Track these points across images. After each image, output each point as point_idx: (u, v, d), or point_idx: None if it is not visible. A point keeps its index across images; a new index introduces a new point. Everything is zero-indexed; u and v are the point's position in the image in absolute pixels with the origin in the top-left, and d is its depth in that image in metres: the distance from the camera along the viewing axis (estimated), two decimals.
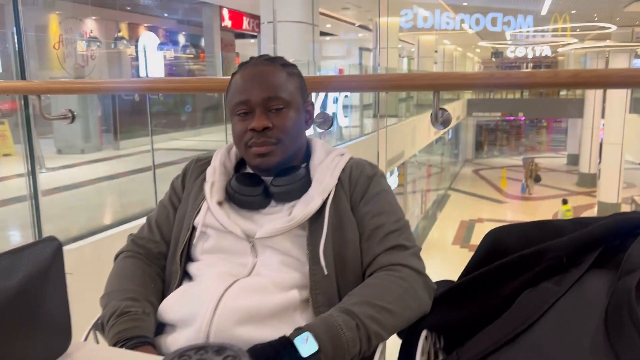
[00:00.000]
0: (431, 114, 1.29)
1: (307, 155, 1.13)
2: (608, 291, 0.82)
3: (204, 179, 1.10)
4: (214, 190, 1.06)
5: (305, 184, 1.06)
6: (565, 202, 14.19)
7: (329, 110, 8.16)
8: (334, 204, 1.03)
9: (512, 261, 0.98)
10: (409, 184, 14.09)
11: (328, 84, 1.41)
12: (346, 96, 8.83)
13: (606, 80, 1.11)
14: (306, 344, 0.83)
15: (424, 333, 0.97)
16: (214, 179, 1.08)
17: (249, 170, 1.12)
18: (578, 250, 0.93)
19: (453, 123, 18.90)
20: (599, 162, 17.09)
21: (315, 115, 1.42)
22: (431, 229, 15.04)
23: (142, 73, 10.60)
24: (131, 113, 8.47)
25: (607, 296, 0.81)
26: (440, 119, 1.30)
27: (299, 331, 0.85)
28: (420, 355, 0.93)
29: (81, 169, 6.96)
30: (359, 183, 1.07)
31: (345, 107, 9.16)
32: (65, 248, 3.46)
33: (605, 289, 0.83)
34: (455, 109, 18.37)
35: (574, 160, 22.21)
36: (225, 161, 1.13)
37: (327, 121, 1.44)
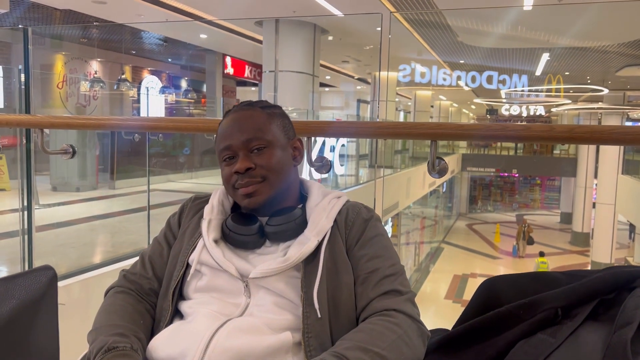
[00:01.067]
0: (428, 162, 1.31)
1: (303, 197, 1.14)
2: (603, 344, 0.82)
3: (201, 217, 1.11)
4: (210, 227, 1.07)
5: (300, 224, 1.06)
6: (542, 254, 14.18)
7: None
8: (329, 246, 1.03)
9: (508, 311, 0.97)
10: (402, 235, 14.04)
11: (328, 129, 1.44)
12: (343, 145, 8.95)
13: (600, 137, 1.13)
14: None
15: None
16: (212, 217, 1.09)
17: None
18: (573, 303, 0.93)
19: (448, 176, 19.05)
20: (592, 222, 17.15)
21: (314, 159, 1.44)
22: (424, 281, 14.88)
23: (143, 115, 10.73)
24: (129, 153, 8.52)
25: (603, 350, 0.81)
26: (437, 168, 1.32)
27: None
28: None
29: (75, 207, 6.93)
30: (355, 226, 1.07)
31: (341, 156, 9.26)
32: None
33: (600, 343, 0.83)
34: (450, 162, 18.57)
35: (567, 218, 22.29)
36: (223, 200, 1.14)
37: (326, 165, 1.45)
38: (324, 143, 8.30)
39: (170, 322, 1.02)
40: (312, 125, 1.35)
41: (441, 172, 1.34)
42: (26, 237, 2.92)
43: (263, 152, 1.06)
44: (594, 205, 17.21)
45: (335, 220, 1.07)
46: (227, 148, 1.07)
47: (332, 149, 8.52)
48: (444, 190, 21.55)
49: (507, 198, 28.97)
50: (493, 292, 1.07)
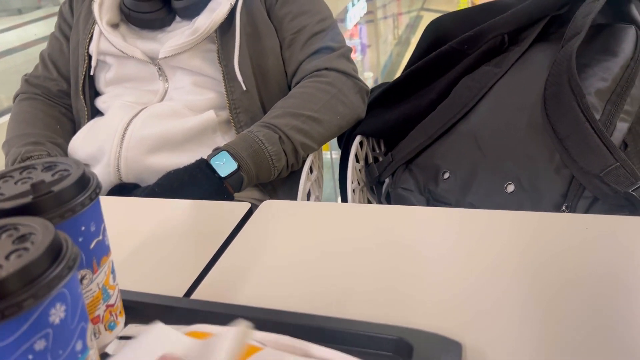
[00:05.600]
0: None
1: None
2: (550, 62, 0.73)
3: None
4: (103, 9, 0.91)
5: None
6: None
7: None
8: (245, 9, 0.88)
9: (451, 48, 0.87)
10: (379, 9, 13.35)
11: None
12: None
13: None
14: (224, 164, 0.76)
15: (357, 139, 0.90)
16: None
17: None
18: (522, 25, 0.82)
19: None
20: None
21: None
22: (405, 54, 14.67)
23: None
24: None
25: (549, 67, 0.72)
26: None
27: (216, 151, 0.77)
28: (354, 161, 0.87)
29: (23, 30, 6.42)
30: None
31: None
32: None
33: (547, 60, 0.74)
34: None
35: None
36: None
37: None
38: None
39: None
40: None
41: None
42: None
43: None
44: None
45: None
46: None
47: None
48: None
49: None
50: (441, 31, 0.96)
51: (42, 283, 0.27)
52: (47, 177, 0.39)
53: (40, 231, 0.30)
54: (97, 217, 0.40)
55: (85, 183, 0.39)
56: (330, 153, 1.59)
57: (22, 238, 0.30)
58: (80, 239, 0.38)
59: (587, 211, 0.64)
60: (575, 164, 0.63)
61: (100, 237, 0.40)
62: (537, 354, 0.36)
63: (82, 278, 0.39)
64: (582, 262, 0.44)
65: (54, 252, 0.29)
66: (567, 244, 0.46)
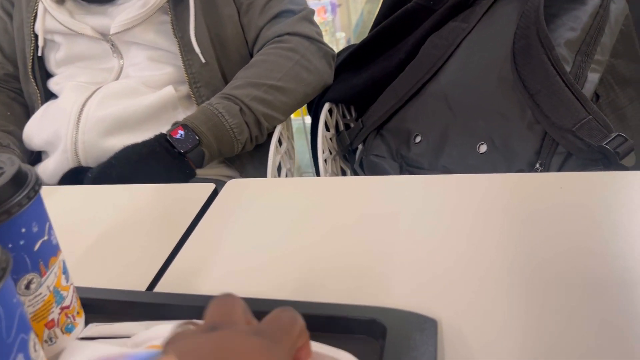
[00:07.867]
0: None
1: None
2: (518, 14, 0.70)
3: None
4: None
5: None
6: None
7: None
8: None
9: (417, 5, 0.84)
10: None
11: None
12: None
13: None
14: (184, 138, 0.72)
15: (326, 106, 0.87)
16: None
17: None
18: None
19: None
20: None
21: None
22: (376, 11, 14.46)
23: None
24: None
25: (517, 20, 0.70)
26: None
27: (175, 126, 0.74)
28: (323, 130, 0.84)
29: None
30: None
31: None
32: None
33: (515, 15, 0.72)
34: None
35: None
36: None
37: None
38: None
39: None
40: None
41: None
42: None
43: None
44: None
45: None
46: None
47: None
48: None
49: None
50: None
51: None
52: None
53: None
54: (40, 215, 0.37)
55: (21, 180, 0.36)
56: (303, 119, 1.55)
57: None
58: (21, 242, 0.35)
59: (561, 167, 0.62)
60: (547, 119, 0.61)
61: (46, 237, 0.37)
62: (516, 323, 0.35)
63: (29, 283, 0.36)
64: (559, 223, 0.42)
65: None
66: (543, 205, 0.45)
